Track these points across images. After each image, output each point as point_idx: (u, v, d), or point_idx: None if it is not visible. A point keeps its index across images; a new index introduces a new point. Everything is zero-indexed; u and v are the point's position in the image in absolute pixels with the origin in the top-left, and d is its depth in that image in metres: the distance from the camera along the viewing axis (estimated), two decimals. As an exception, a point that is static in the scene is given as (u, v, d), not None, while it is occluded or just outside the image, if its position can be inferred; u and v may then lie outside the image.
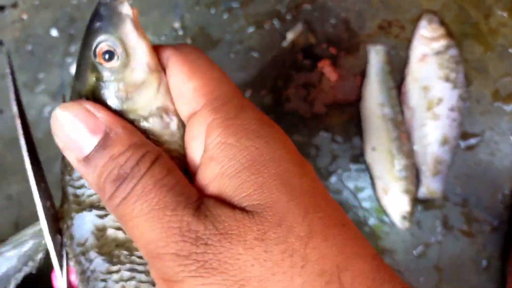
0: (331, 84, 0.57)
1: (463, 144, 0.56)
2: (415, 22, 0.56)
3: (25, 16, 0.60)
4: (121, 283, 0.23)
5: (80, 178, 0.24)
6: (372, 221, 0.56)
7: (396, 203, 0.53)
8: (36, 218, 0.62)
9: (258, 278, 0.19)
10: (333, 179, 0.56)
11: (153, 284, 0.23)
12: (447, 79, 0.52)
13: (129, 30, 0.22)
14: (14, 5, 0.60)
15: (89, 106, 0.22)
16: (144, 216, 0.20)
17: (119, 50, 0.22)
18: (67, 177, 0.24)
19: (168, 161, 0.21)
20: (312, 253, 0.20)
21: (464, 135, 0.56)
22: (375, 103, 0.53)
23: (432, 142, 0.53)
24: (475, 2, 0.56)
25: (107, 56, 0.22)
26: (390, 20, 0.57)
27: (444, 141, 0.53)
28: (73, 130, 0.21)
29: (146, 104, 0.23)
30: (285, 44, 0.57)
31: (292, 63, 0.58)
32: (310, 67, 0.57)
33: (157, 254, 0.19)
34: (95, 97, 0.23)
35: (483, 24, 0.56)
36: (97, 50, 0.22)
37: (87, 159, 0.21)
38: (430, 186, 0.54)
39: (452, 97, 0.52)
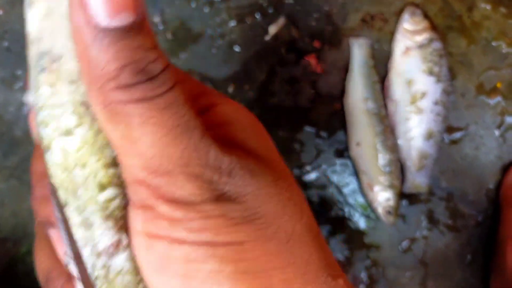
0: (315, 78, 0.56)
1: (448, 138, 0.56)
2: (398, 15, 0.55)
3: (0, 12, 0.59)
4: None
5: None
6: (357, 216, 0.55)
7: (381, 198, 0.53)
8: (17, 218, 0.60)
9: (271, 213, 0.20)
10: (318, 174, 0.56)
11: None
12: (430, 73, 0.52)
13: None
14: (-11, 0, 0.59)
15: None
16: (166, 129, 0.18)
17: None
18: None
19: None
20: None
21: (449, 129, 0.56)
22: (359, 98, 0.53)
23: (416, 136, 0.52)
24: (458, -5, 0.56)
25: None
26: (373, 13, 0.56)
27: (429, 135, 0.52)
28: None
29: None
30: (267, 38, 0.57)
31: (275, 57, 0.57)
32: (294, 61, 0.56)
33: (168, 172, 0.18)
34: None
35: (467, 17, 0.56)
36: None
37: (108, 30, 0.17)
38: (415, 181, 0.53)
39: (436, 90, 0.52)
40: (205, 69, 0.57)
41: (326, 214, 0.56)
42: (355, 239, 0.56)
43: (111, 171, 0.19)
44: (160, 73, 0.17)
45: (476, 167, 0.56)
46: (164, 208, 0.18)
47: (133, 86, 0.17)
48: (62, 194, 0.20)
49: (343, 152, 0.56)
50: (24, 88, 0.59)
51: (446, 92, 0.52)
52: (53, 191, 0.20)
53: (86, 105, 0.19)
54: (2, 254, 0.60)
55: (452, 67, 0.55)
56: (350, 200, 0.56)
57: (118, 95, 0.17)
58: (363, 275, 0.56)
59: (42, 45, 0.19)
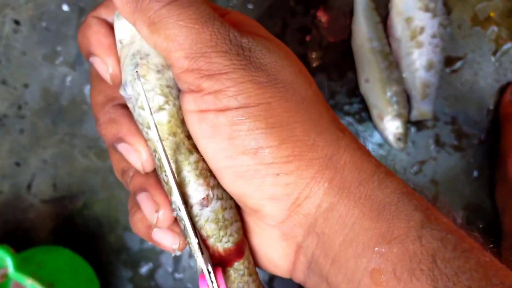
0: (323, 25, 0.62)
1: (448, 68, 0.61)
2: (394, -41, 0.60)
3: (37, -5, 0.65)
4: None
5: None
6: (370, 146, 0.62)
7: (391, 127, 0.59)
8: (72, 178, 0.67)
9: (287, 80, 0.24)
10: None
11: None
12: (427, 9, 0.57)
13: None
14: (27, -15, 0.65)
15: None
16: (193, 20, 0.23)
17: None
18: None
19: None
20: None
21: (449, 60, 0.61)
22: (364, 38, 0.58)
23: (418, 68, 0.58)
24: None
25: None
26: (371, -41, 0.61)
27: (430, 66, 0.58)
28: None
29: None
30: (277, -7, 0.62)
31: (286, 10, 0.62)
32: (303, 12, 0.62)
33: (204, 53, 0.23)
34: None
35: (458, -46, 0.60)
36: None
37: None
38: (421, 109, 0.59)
39: (433, 25, 0.57)
40: (224, 28, 0.63)
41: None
42: (371, 168, 0.62)
43: (191, 141, 0.25)
44: None
45: (476, 91, 0.61)
46: (207, 84, 0.23)
47: None
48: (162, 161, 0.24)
49: (354, 90, 0.62)
50: (64, 62, 0.66)
51: (442, 26, 0.57)
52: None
53: (169, 87, 0.24)
54: (60, 210, 0.67)
55: (447, 2, 0.60)
56: (364, 133, 0.62)
57: (151, 5, 0.23)
58: (381, 199, 0.62)
59: (134, 47, 0.25)
